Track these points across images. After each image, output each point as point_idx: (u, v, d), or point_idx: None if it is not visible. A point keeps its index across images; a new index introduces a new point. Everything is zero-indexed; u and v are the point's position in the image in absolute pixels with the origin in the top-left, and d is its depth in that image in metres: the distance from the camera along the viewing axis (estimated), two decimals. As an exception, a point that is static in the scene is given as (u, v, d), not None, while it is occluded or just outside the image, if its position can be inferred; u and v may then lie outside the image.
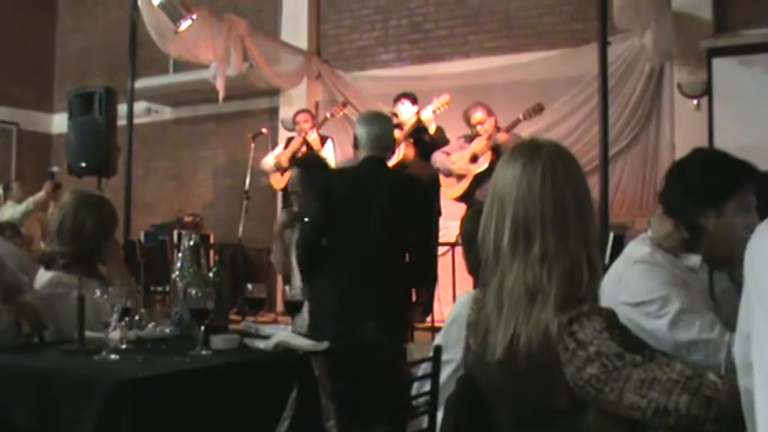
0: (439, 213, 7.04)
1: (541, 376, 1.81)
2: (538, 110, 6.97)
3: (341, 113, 8.47)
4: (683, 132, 7.52)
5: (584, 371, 1.74)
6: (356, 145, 4.86)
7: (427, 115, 7.10)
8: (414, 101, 7.31)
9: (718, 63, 7.37)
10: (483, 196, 6.50)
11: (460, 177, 6.89)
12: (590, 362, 1.74)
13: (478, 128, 6.89)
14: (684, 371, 1.71)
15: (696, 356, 2.28)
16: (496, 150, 6.76)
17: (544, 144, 1.97)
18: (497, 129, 6.87)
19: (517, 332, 1.84)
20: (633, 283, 2.46)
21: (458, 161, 6.89)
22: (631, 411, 1.72)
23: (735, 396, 1.62)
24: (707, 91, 7.41)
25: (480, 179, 6.76)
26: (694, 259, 2.51)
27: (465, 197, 6.84)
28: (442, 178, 7.08)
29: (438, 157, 6.99)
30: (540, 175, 1.88)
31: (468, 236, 3.23)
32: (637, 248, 2.56)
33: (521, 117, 6.93)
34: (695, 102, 7.48)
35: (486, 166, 6.76)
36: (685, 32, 7.41)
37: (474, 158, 6.85)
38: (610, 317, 1.80)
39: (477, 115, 6.90)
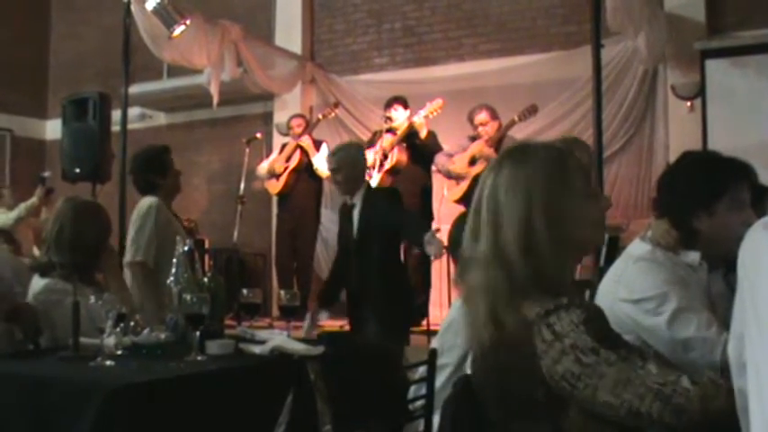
0: (431, 217, 7.07)
1: (520, 367, 1.81)
2: (532, 111, 7.00)
3: (332, 114, 8.49)
4: (676, 134, 7.53)
5: (559, 364, 1.74)
6: None
7: (419, 120, 7.13)
8: (405, 105, 7.35)
9: (712, 64, 7.39)
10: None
11: (460, 179, 6.91)
12: (564, 355, 1.73)
13: (479, 129, 6.92)
14: (657, 377, 1.69)
15: (693, 354, 2.30)
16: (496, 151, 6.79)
17: (527, 147, 2.04)
18: (501, 135, 6.90)
19: (500, 324, 1.85)
20: (633, 279, 2.47)
21: (458, 162, 6.92)
22: (605, 410, 1.72)
23: (706, 405, 1.64)
24: (700, 92, 7.43)
25: (479, 181, 6.77)
26: (693, 256, 2.52)
27: (464, 199, 6.85)
28: (443, 180, 7.11)
29: (439, 159, 7.03)
30: (503, 176, 1.97)
31: (455, 240, 3.24)
32: (638, 246, 2.59)
33: (515, 119, 6.96)
34: (689, 103, 7.50)
35: (483, 167, 6.78)
36: (678, 34, 7.43)
37: (473, 161, 6.87)
38: (590, 311, 1.80)
39: (480, 117, 6.94)
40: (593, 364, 1.72)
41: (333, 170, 5.40)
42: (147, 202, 4.73)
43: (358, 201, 5.26)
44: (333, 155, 5.54)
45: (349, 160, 5.32)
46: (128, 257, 4.66)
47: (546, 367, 1.76)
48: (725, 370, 1.91)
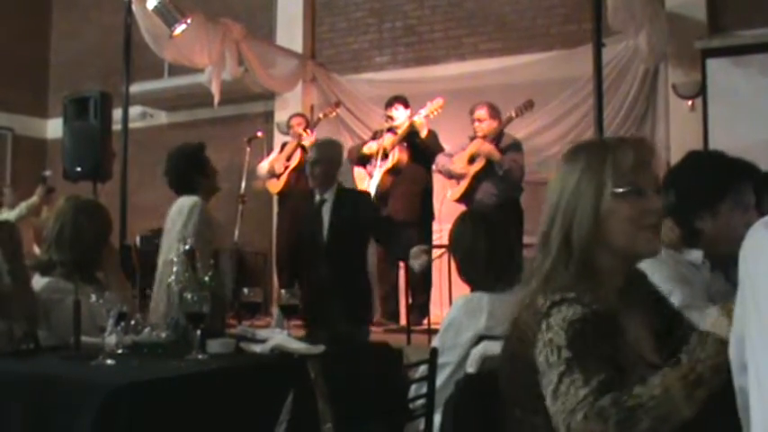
0: (431, 217, 7.07)
1: (521, 355, 1.79)
2: (529, 106, 6.97)
3: (333, 113, 8.49)
4: (677, 133, 7.53)
5: (539, 356, 1.71)
6: None
7: (419, 119, 7.11)
8: (406, 104, 7.33)
9: (713, 64, 7.38)
10: (483, 198, 6.57)
11: (460, 179, 6.89)
12: (543, 348, 1.70)
13: (476, 124, 6.88)
14: (577, 400, 1.59)
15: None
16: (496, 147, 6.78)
17: (576, 146, 2.04)
18: (499, 132, 6.87)
19: (517, 314, 1.86)
20: None
21: (457, 162, 6.90)
22: (551, 415, 1.65)
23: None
24: (701, 91, 7.42)
25: (479, 179, 6.76)
26: (696, 254, 2.52)
27: (465, 198, 6.84)
28: (445, 180, 7.09)
29: (440, 160, 7.01)
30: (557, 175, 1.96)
31: (456, 239, 3.23)
32: None
33: (512, 115, 6.93)
34: (690, 102, 7.49)
35: (482, 165, 6.75)
36: (679, 33, 7.42)
37: (472, 159, 6.85)
38: (591, 313, 1.71)
39: (479, 113, 6.90)
40: (553, 364, 1.67)
41: (313, 162, 5.41)
42: (191, 201, 4.56)
43: (329, 197, 5.31)
44: (316, 147, 5.58)
45: (332, 157, 5.38)
46: (171, 256, 4.50)
47: (533, 357, 1.74)
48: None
